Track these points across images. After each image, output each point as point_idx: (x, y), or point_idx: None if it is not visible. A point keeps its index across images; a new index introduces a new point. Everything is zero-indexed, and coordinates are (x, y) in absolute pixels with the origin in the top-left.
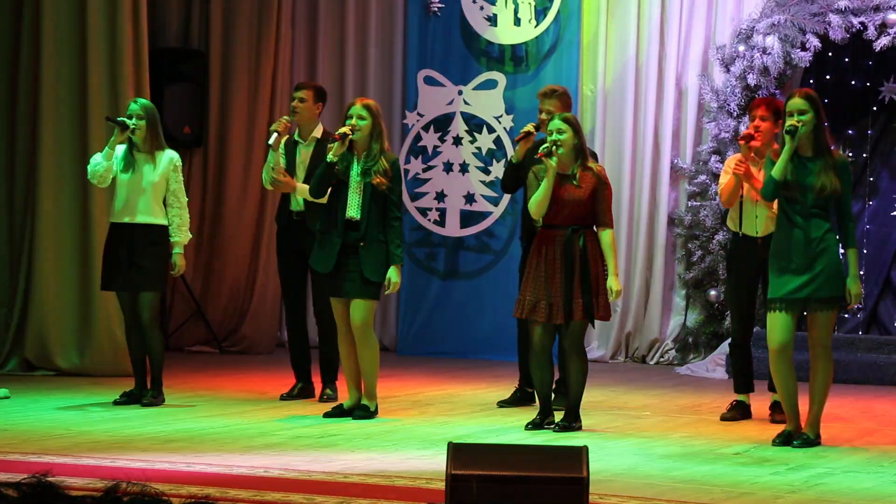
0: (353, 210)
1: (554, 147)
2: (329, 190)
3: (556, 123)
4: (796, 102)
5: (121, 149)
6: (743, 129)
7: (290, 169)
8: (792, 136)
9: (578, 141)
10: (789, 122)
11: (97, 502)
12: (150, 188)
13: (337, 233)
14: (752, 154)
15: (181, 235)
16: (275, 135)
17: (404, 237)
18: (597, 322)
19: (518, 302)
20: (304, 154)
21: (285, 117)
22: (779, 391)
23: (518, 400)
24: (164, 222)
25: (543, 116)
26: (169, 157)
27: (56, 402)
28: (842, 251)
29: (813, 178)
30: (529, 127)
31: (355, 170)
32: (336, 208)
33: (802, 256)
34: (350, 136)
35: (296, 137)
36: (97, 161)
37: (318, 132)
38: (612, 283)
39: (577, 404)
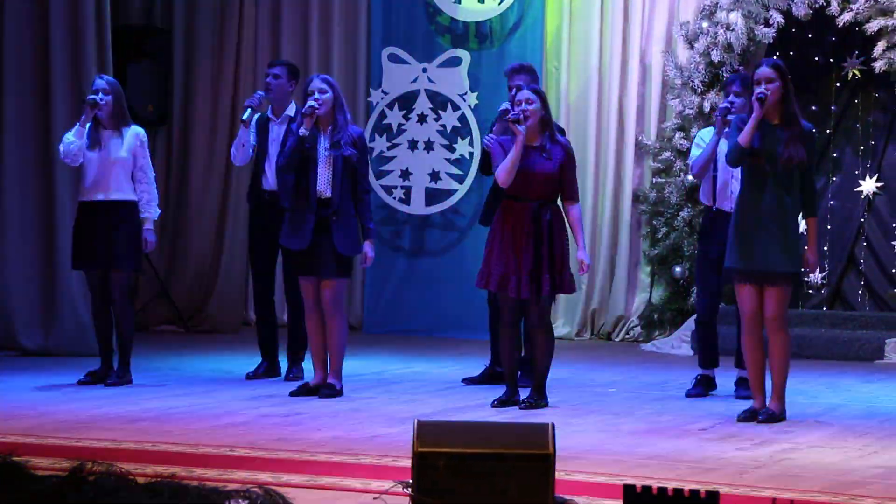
0: (323, 185)
1: (523, 116)
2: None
3: (525, 94)
4: (764, 71)
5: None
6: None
7: (263, 146)
8: (761, 104)
9: (546, 113)
10: (758, 89)
11: (63, 482)
12: (119, 164)
13: (309, 209)
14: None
15: (151, 211)
16: (248, 111)
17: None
18: (562, 299)
19: (481, 273)
20: (276, 132)
21: (260, 92)
22: (747, 363)
23: (486, 378)
24: (133, 198)
25: (514, 93)
26: (135, 132)
27: (20, 382)
28: (802, 221)
29: (780, 146)
30: (505, 106)
31: (323, 144)
32: (306, 185)
33: (761, 228)
34: (317, 109)
35: (269, 115)
36: (69, 140)
37: (290, 110)
38: (584, 255)
39: (543, 381)
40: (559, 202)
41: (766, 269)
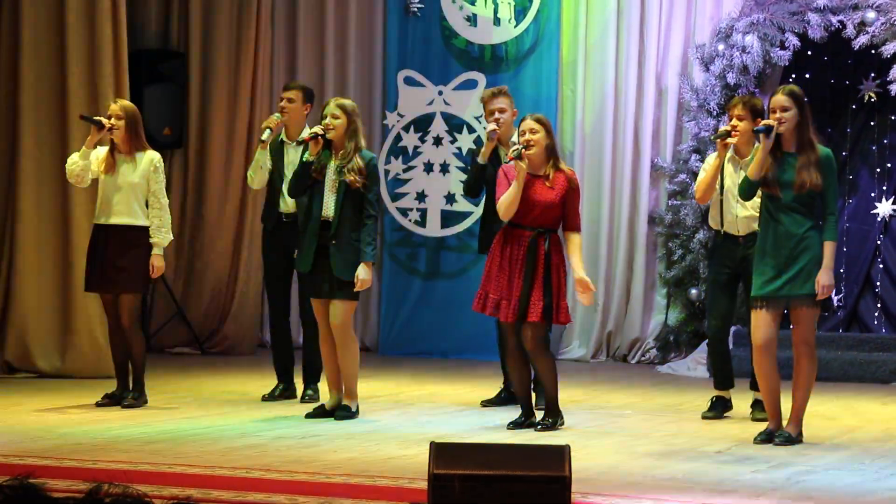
0: (328, 210)
1: (524, 148)
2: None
3: (529, 123)
4: (779, 99)
5: (104, 150)
6: (720, 128)
7: (279, 170)
8: (766, 136)
9: (551, 141)
10: (764, 121)
11: None
12: (129, 189)
13: (312, 233)
14: (734, 154)
15: (159, 236)
16: (267, 131)
17: (381, 236)
18: (578, 321)
19: (478, 296)
20: (292, 155)
21: (276, 115)
22: (761, 389)
23: (503, 400)
24: (145, 223)
25: (497, 116)
26: (149, 157)
27: (37, 405)
28: None
29: (793, 173)
30: (493, 126)
31: (331, 169)
32: (312, 208)
33: (783, 254)
34: (321, 135)
35: (283, 138)
36: (73, 160)
37: (306, 133)
38: (584, 277)
39: (554, 401)
40: (560, 232)
41: (788, 295)
